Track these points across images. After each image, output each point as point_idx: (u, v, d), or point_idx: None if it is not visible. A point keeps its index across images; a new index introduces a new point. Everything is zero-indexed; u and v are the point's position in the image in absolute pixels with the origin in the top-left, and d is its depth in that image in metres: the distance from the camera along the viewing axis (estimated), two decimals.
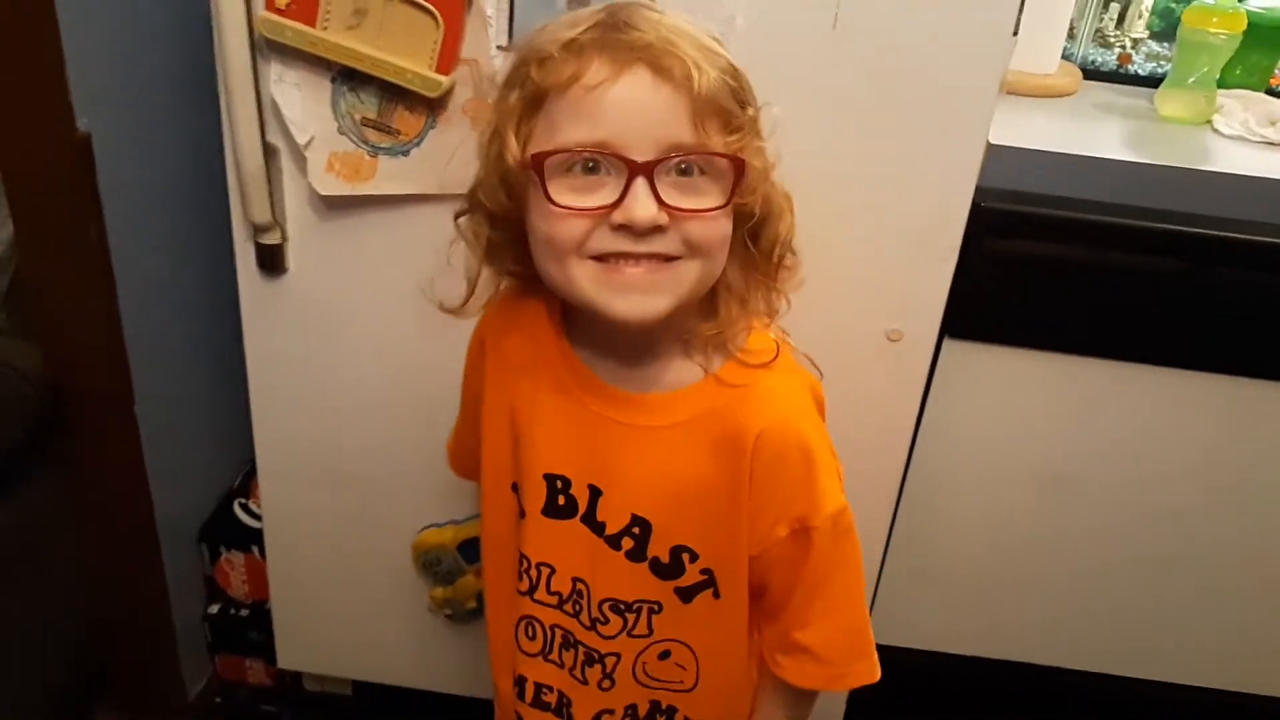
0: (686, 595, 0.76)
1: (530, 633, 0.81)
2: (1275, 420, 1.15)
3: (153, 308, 1.17)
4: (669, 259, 0.64)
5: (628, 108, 0.61)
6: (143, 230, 1.13)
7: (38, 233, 1.06)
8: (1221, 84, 1.25)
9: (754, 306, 0.73)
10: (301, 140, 0.97)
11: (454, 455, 0.95)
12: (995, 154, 0.98)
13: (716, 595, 0.75)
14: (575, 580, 0.77)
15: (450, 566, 1.21)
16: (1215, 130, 1.21)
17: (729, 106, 0.64)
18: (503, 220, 0.70)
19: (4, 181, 1.04)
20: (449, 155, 0.96)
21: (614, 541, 0.75)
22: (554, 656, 0.81)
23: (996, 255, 1.05)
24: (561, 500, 0.76)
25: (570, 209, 0.63)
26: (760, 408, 0.71)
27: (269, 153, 0.99)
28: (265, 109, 0.97)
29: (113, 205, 1.06)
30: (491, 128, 0.68)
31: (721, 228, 0.66)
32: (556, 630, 0.79)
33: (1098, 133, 1.20)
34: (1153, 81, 1.32)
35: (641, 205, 0.61)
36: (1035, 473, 1.20)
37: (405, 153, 0.97)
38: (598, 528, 0.75)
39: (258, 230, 1.03)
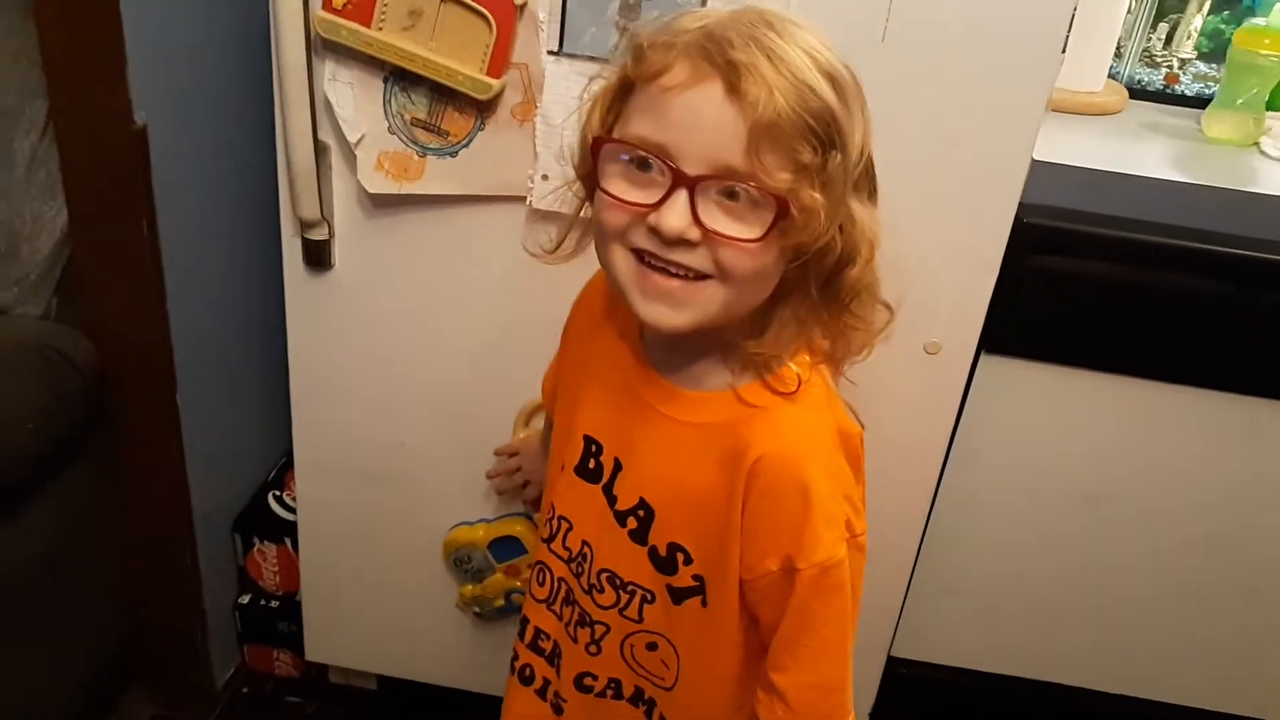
0: (677, 596, 0.76)
1: (541, 579, 0.84)
2: None
3: (199, 300, 1.19)
4: (701, 277, 0.64)
5: (691, 118, 0.61)
6: (193, 223, 1.15)
7: (91, 222, 1.08)
8: (1270, 106, 1.24)
9: (810, 341, 0.71)
10: (352, 138, 0.98)
11: (546, 382, 0.94)
12: (1039, 170, 0.98)
13: (704, 604, 0.75)
14: (584, 543, 0.79)
15: (480, 564, 1.21)
16: (1263, 152, 1.21)
17: (794, 144, 0.61)
18: (588, 189, 0.71)
19: (61, 170, 1.06)
20: (496, 158, 0.98)
21: (621, 518, 0.76)
22: (555, 607, 0.83)
23: (1038, 271, 1.05)
24: (592, 464, 0.78)
25: (615, 199, 0.64)
26: (768, 432, 0.70)
27: (319, 150, 1.01)
28: (318, 107, 0.99)
29: (165, 198, 1.08)
30: (590, 101, 0.68)
31: (755, 260, 0.64)
32: (562, 584, 0.82)
33: (1143, 152, 1.20)
34: (1199, 102, 1.31)
35: (674, 216, 0.62)
36: (1070, 492, 1.20)
37: (453, 154, 0.98)
38: (611, 499, 0.77)
39: (305, 226, 1.05)
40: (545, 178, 0.98)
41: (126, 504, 1.23)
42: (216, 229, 1.21)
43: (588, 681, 0.83)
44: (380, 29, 0.92)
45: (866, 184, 0.68)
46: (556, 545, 0.81)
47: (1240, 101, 1.22)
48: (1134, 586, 1.25)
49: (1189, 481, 1.17)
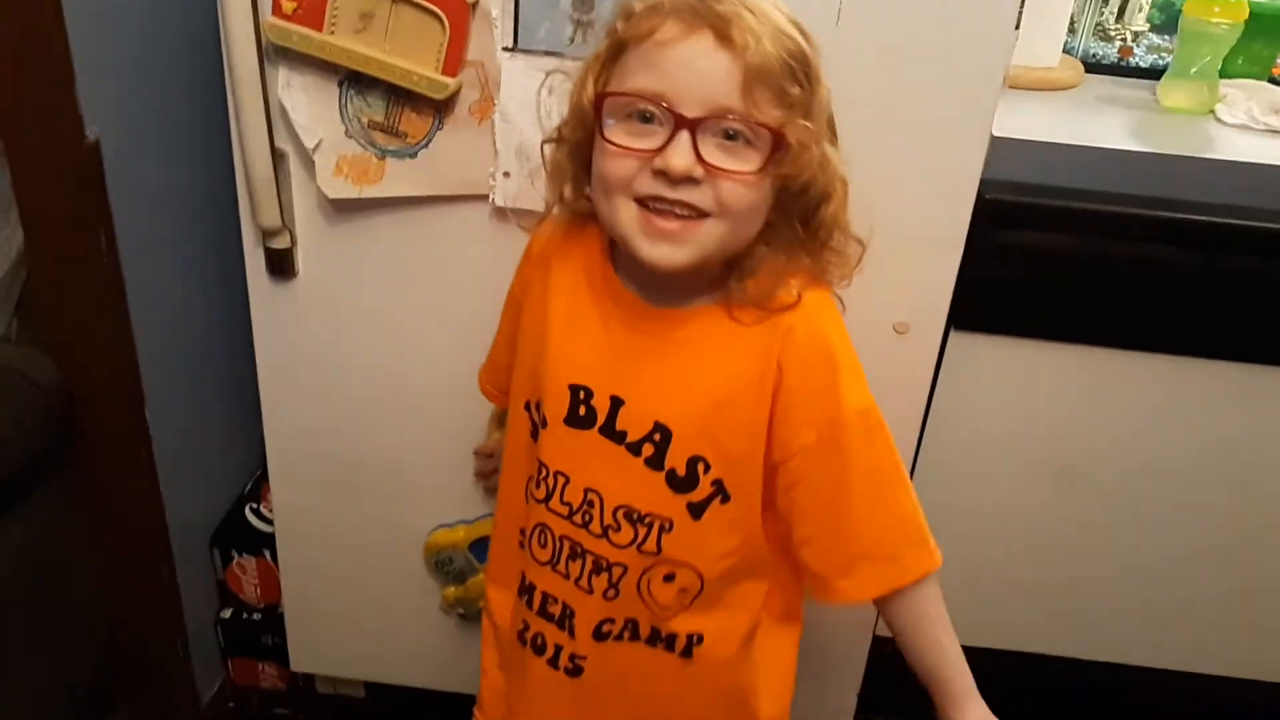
0: (697, 511, 0.79)
1: (542, 541, 0.84)
2: None
3: (163, 314, 1.17)
4: (701, 215, 0.70)
5: (687, 67, 0.67)
6: (152, 237, 1.14)
7: (48, 240, 1.06)
8: (1223, 74, 1.25)
9: (791, 278, 0.76)
10: (309, 144, 0.97)
11: (484, 374, 0.99)
12: (999, 146, 0.99)
13: (725, 500, 0.78)
14: (587, 491, 0.80)
15: (462, 566, 1.21)
16: (1219, 120, 1.22)
17: (782, 82, 0.68)
18: (580, 153, 0.76)
19: (14, 189, 1.04)
20: (457, 157, 0.97)
21: (634, 448, 0.78)
22: (561, 567, 0.83)
23: (1002, 247, 1.06)
24: (582, 410, 0.80)
25: (621, 147, 0.70)
26: (791, 313, 0.76)
27: (277, 157, 1.00)
28: (273, 114, 0.98)
29: (122, 212, 1.07)
30: (582, 68, 0.74)
31: (752, 193, 0.70)
32: (565, 541, 0.83)
33: (1101, 124, 1.21)
34: (1154, 73, 1.32)
35: (679, 155, 0.67)
36: (1043, 464, 1.21)
37: (413, 155, 0.98)
38: (617, 436, 0.79)
39: (267, 235, 1.04)
40: (506, 175, 0.98)
41: (101, 523, 1.21)
42: (177, 242, 1.20)
43: (605, 628, 0.84)
44: (332, 33, 0.92)
45: (830, 129, 0.75)
46: (554, 503, 0.82)
47: (1194, 70, 1.23)
48: (1111, 555, 1.27)
49: (1160, 447, 1.19)
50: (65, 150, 1.01)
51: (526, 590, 0.87)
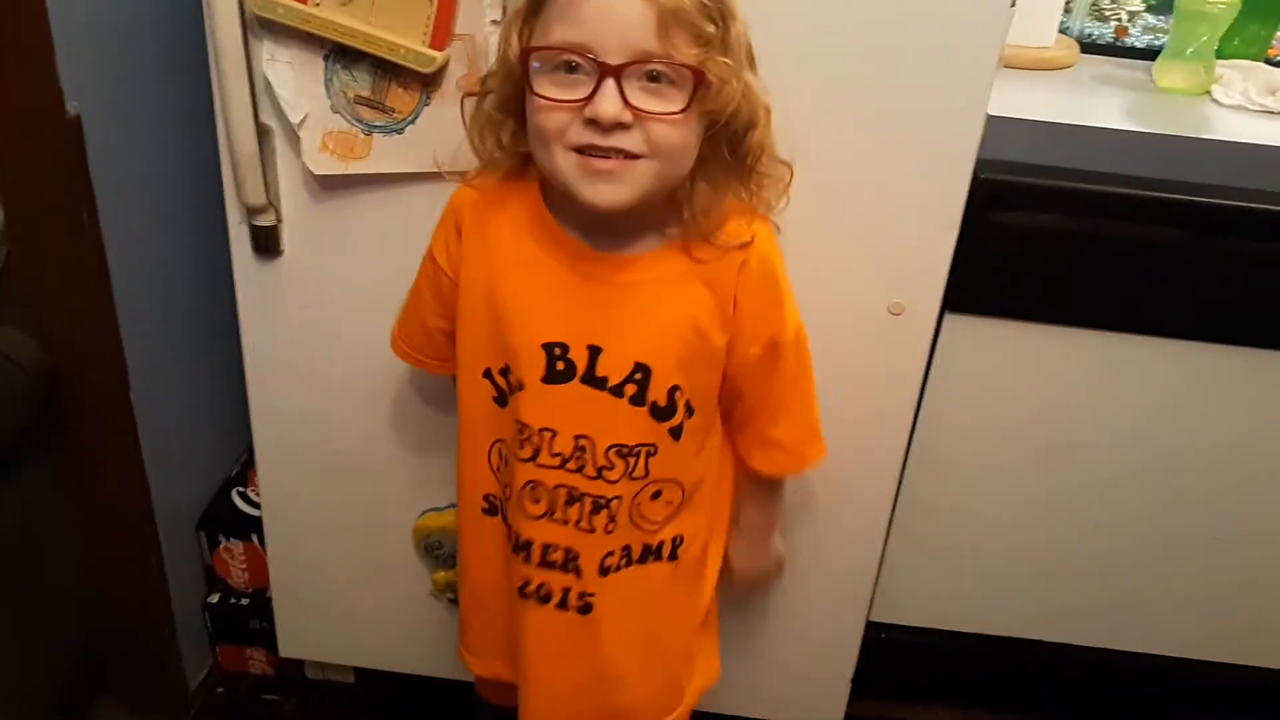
0: (677, 433, 0.86)
1: (535, 497, 0.88)
2: (1277, 389, 1.15)
3: (147, 293, 1.16)
4: (634, 156, 0.73)
5: (604, 15, 0.70)
6: (136, 214, 1.12)
7: (29, 218, 1.04)
8: (1219, 55, 1.25)
9: (729, 204, 0.82)
10: (295, 119, 0.96)
11: (403, 338, 0.98)
12: (995, 126, 0.97)
13: (691, 414, 0.86)
14: (577, 439, 0.85)
15: (452, 549, 1.20)
16: (1215, 100, 1.21)
17: (697, 22, 0.71)
18: (510, 107, 0.80)
19: None
20: (444, 132, 0.96)
21: (617, 390, 0.84)
22: (558, 515, 0.88)
23: (997, 227, 1.05)
24: (560, 365, 0.84)
25: (550, 100, 0.73)
26: (744, 248, 0.83)
27: (262, 133, 0.98)
28: (258, 89, 0.96)
29: (104, 189, 1.05)
30: (504, 24, 0.78)
31: (681, 131, 0.74)
32: (560, 489, 0.87)
33: (1097, 104, 1.20)
34: (1150, 54, 1.32)
35: (607, 102, 0.71)
36: (1039, 447, 1.20)
37: (400, 130, 0.96)
38: (598, 383, 0.84)
39: (252, 212, 1.02)
40: None
41: (86, 507, 1.20)
42: (161, 219, 1.18)
43: (608, 562, 0.89)
44: (318, 5, 0.90)
45: (749, 59, 0.78)
46: (543, 458, 0.86)
47: (1190, 51, 1.23)
48: (1108, 539, 1.26)
49: (1156, 431, 1.18)
50: (45, 126, 0.99)
51: (523, 547, 0.90)
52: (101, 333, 1.11)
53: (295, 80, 0.95)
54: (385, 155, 0.97)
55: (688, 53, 0.72)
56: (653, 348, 0.83)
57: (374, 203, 1.01)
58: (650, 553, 0.91)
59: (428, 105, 0.95)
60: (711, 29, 0.72)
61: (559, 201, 0.82)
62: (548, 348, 0.83)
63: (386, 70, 0.93)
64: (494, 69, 0.81)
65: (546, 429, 0.85)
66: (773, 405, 0.90)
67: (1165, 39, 1.30)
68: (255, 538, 1.32)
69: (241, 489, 1.37)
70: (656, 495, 0.89)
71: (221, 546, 1.35)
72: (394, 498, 1.20)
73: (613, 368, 0.83)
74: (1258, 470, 1.20)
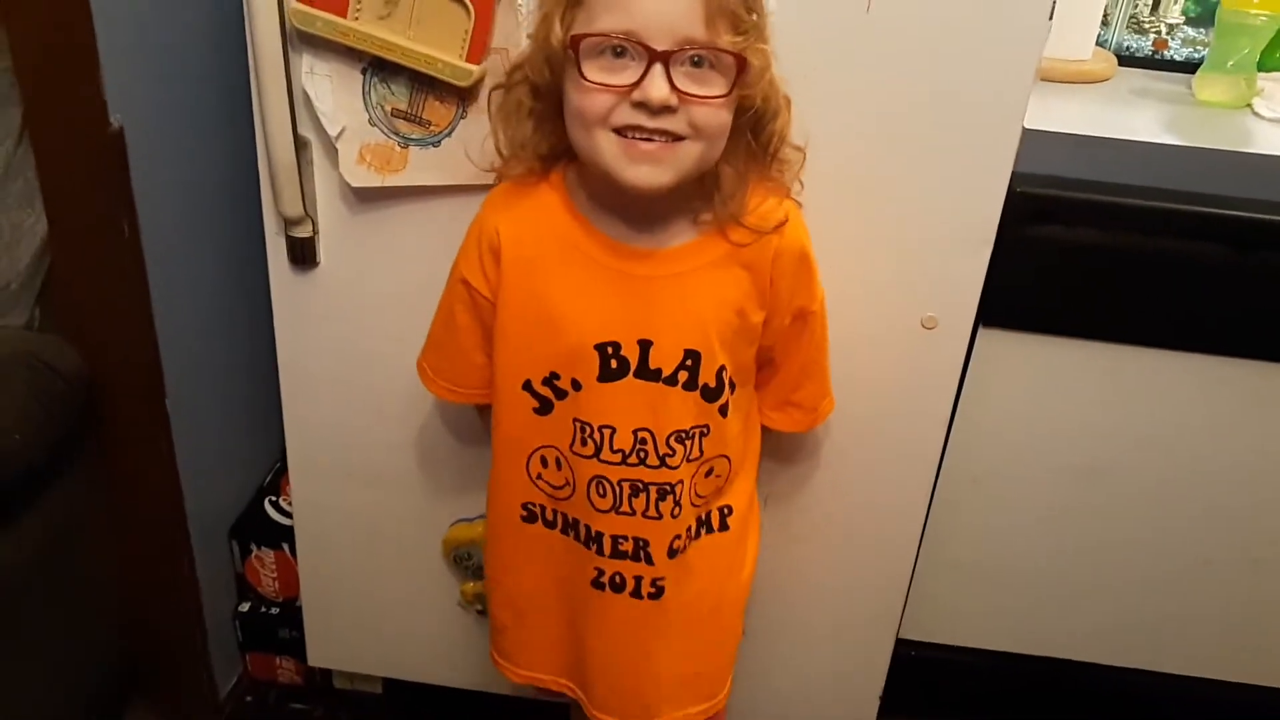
0: (725, 410, 0.89)
1: (601, 491, 0.90)
2: None
3: (184, 302, 1.17)
4: (677, 139, 0.77)
5: (652, 4, 0.74)
6: (175, 225, 1.13)
7: (71, 228, 1.06)
8: (1260, 67, 1.23)
9: (753, 188, 0.85)
10: (333, 132, 0.97)
11: (441, 374, 0.98)
12: (1031, 139, 0.97)
13: (733, 389, 0.90)
14: (636, 432, 0.88)
15: (481, 561, 1.20)
16: (1255, 114, 1.19)
17: (738, 11, 0.75)
18: (545, 94, 0.82)
19: (39, 177, 1.04)
20: (480, 145, 0.96)
21: (671, 379, 0.86)
22: (625, 508, 0.90)
23: (1033, 241, 1.04)
24: (614, 364, 0.86)
25: (599, 84, 0.76)
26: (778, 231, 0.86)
27: (300, 145, 0.99)
28: (296, 101, 0.97)
29: (145, 200, 1.06)
30: (542, 13, 0.79)
31: (722, 115, 0.78)
32: (624, 484, 0.89)
33: (1135, 117, 1.19)
34: (1189, 67, 1.30)
35: (656, 86, 0.74)
36: (1073, 464, 1.18)
37: (436, 143, 0.97)
38: (652, 375, 0.86)
39: (289, 223, 1.03)
40: None
41: (120, 514, 1.21)
42: (199, 230, 1.19)
43: (675, 544, 0.92)
44: (356, 18, 0.91)
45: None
46: (605, 454, 0.88)
47: (1231, 63, 1.21)
48: (1141, 558, 1.24)
49: (1194, 449, 1.16)
50: (89, 138, 1.01)
51: (594, 540, 0.92)
52: (139, 341, 1.12)
53: (333, 93, 0.96)
54: (421, 168, 0.98)
55: (730, 40, 0.75)
56: (700, 333, 0.86)
57: (410, 215, 1.02)
58: (703, 524, 0.95)
59: (464, 119, 0.95)
60: (751, 16, 0.76)
61: (591, 204, 0.85)
62: (600, 348, 0.86)
63: (423, 84, 0.94)
64: (527, 56, 0.83)
65: (606, 426, 0.88)
66: (797, 371, 0.95)
67: (1205, 52, 1.28)
68: (286, 547, 1.33)
69: (274, 498, 1.37)
70: (709, 473, 0.92)
71: (253, 555, 1.36)
72: (424, 509, 1.20)
73: (665, 358, 0.86)
74: None
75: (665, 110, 0.75)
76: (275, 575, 1.37)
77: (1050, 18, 0.89)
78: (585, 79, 0.76)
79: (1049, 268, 1.07)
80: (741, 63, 0.76)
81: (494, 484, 0.97)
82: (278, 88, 0.95)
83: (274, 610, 1.39)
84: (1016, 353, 1.12)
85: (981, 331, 1.08)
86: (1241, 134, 1.14)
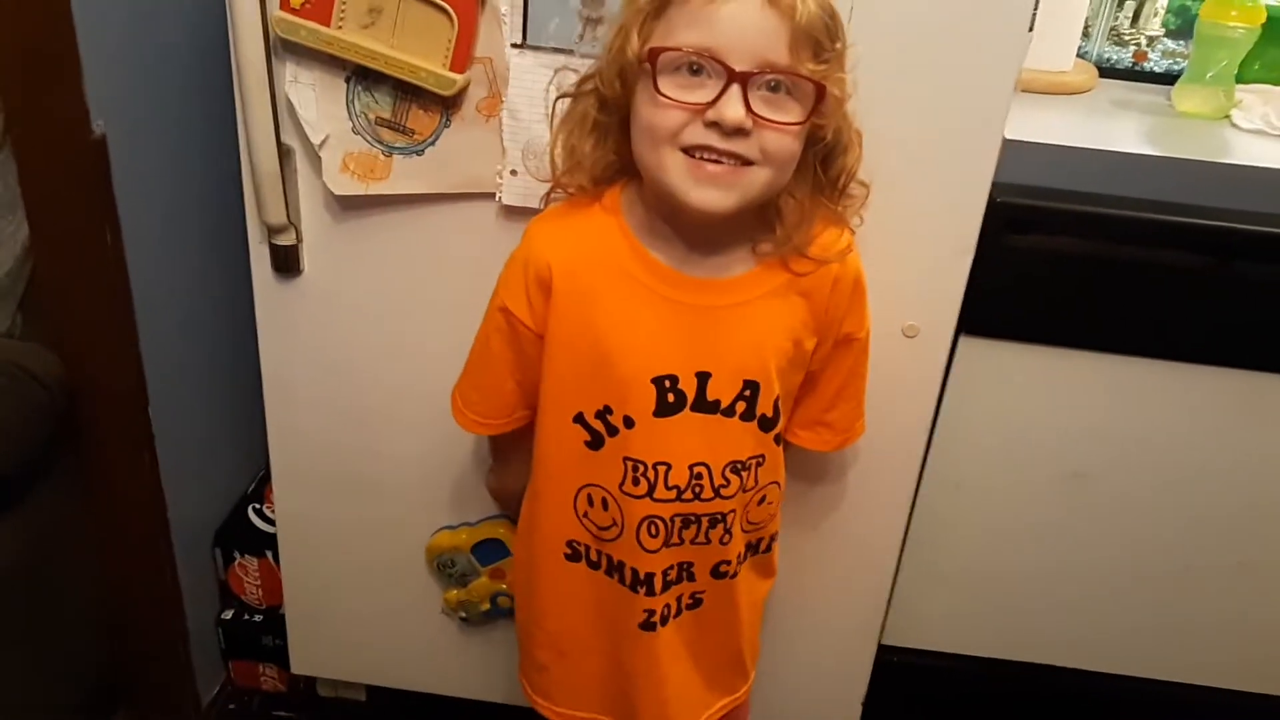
0: (779, 439, 0.90)
1: (652, 531, 0.88)
2: None
3: (167, 310, 1.17)
4: (746, 163, 0.75)
5: (736, 23, 0.72)
6: (157, 232, 1.13)
7: (53, 235, 1.05)
8: (1239, 79, 1.24)
9: (816, 221, 0.84)
10: (316, 140, 0.97)
11: (476, 408, 0.94)
12: (1011, 150, 0.97)
13: (777, 415, 0.88)
14: (692, 468, 0.86)
15: (464, 568, 1.20)
16: (1234, 125, 1.21)
17: (821, 39, 0.74)
18: (612, 107, 0.80)
19: (20, 184, 1.03)
20: (464, 154, 0.96)
21: (729, 411, 0.85)
22: (675, 540, 0.89)
23: (1013, 251, 1.04)
24: (671, 398, 0.84)
25: (673, 100, 0.74)
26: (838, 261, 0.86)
27: (284, 153, 0.99)
28: (280, 109, 0.97)
29: (127, 207, 1.06)
30: (619, 24, 0.77)
31: (794, 143, 0.76)
32: (676, 519, 0.88)
33: (1115, 128, 1.20)
34: (1169, 79, 1.31)
35: (732, 107, 0.72)
36: (1054, 472, 1.19)
37: (420, 152, 0.97)
38: (710, 407, 0.85)
39: (272, 231, 1.03)
40: (514, 173, 0.97)
41: (102, 521, 1.20)
42: (182, 237, 1.19)
43: (724, 568, 0.92)
44: (340, 28, 0.91)
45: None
46: (659, 492, 0.86)
47: (1210, 75, 1.22)
48: (1122, 564, 1.25)
49: (1172, 455, 1.17)
50: (71, 144, 1.01)
51: (643, 582, 0.89)
52: (121, 349, 1.12)
53: (317, 102, 0.96)
54: (405, 176, 0.98)
55: (811, 67, 0.73)
56: (759, 363, 0.84)
57: (394, 223, 1.02)
58: (751, 549, 0.95)
59: (448, 127, 0.95)
60: (834, 45, 0.75)
61: (648, 229, 0.83)
62: (658, 381, 0.83)
63: (407, 92, 0.94)
64: (599, 68, 0.80)
65: (661, 463, 0.85)
66: (833, 393, 0.94)
67: (1184, 64, 1.29)
68: (270, 554, 1.33)
69: (257, 506, 1.37)
70: (762, 500, 0.91)
71: (236, 563, 1.36)
72: (408, 517, 1.20)
73: (723, 390, 0.84)
74: (1277, 495, 1.19)
75: (738, 133, 0.73)
76: (259, 583, 1.37)
77: (1030, 29, 0.90)
78: (660, 93, 0.73)
79: (1029, 277, 1.07)
80: (820, 91, 0.74)
81: (535, 520, 0.94)
82: (261, 96, 0.95)
83: (257, 618, 1.39)
84: (997, 361, 1.12)
85: (962, 340, 1.09)
86: (1220, 145, 1.16)
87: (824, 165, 0.82)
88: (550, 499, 0.91)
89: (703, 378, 0.83)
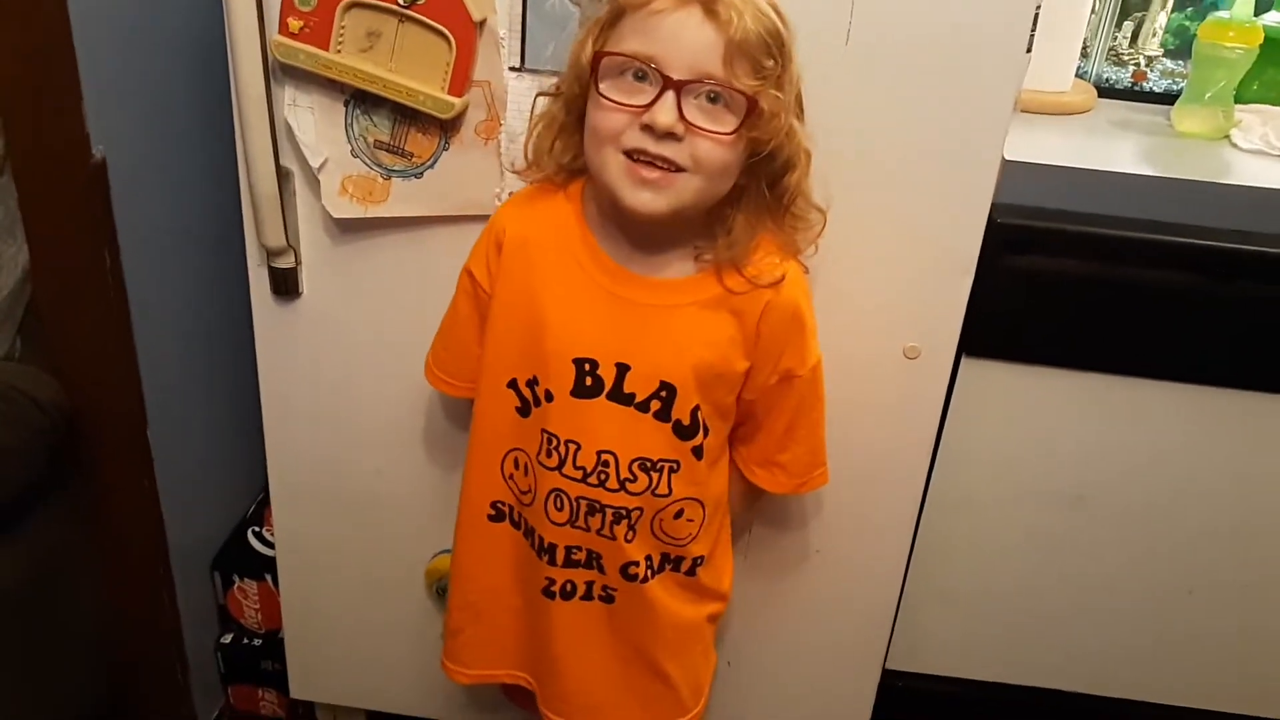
0: (699, 452, 0.90)
1: (558, 504, 0.92)
2: None
3: (166, 333, 1.17)
4: (678, 169, 0.78)
5: (676, 35, 0.76)
6: (157, 255, 1.13)
7: (53, 259, 1.06)
8: (1238, 99, 1.24)
9: (762, 239, 0.86)
10: (315, 163, 0.97)
11: (443, 367, 0.99)
12: (1011, 170, 0.98)
13: (707, 434, 0.90)
14: (600, 454, 0.89)
15: None
16: (1234, 145, 1.21)
17: (759, 56, 0.77)
18: (572, 107, 0.85)
19: (20, 208, 1.04)
20: (462, 177, 0.97)
21: (643, 406, 0.88)
22: (580, 523, 0.92)
23: (1013, 271, 1.04)
24: (589, 381, 0.87)
25: (613, 102, 0.78)
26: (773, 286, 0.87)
27: (283, 176, 0.99)
28: (279, 133, 0.97)
29: (127, 231, 1.06)
30: (584, 30, 0.83)
31: (725, 153, 0.79)
32: (582, 501, 0.91)
33: (1114, 149, 1.20)
34: (1168, 98, 1.31)
35: (664, 112, 0.76)
36: (1058, 493, 1.19)
37: (418, 175, 0.97)
38: (625, 399, 0.88)
39: (271, 254, 1.03)
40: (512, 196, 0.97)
41: (101, 545, 1.20)
42: (181, 261, 1.19)
43: (632, 570, 0.93)
44: (339, 51, 0.91)
45: (799, 105, 0.83)
46: (568, 469, 0.90)
47: (1208, 95, 1.22)
48: (1126, 586, 1.24)
49: (1174, 476, 1.17)
50: (72, 169, 1.01)
51: (546, 550, 0.94)
52: (121, 372, 1.12)
53: (316, 125, 0.96)
54: (403, 199, 0.98)
55: (746, 82, 0.77)
56: (679, 368, 0.87)
57: (392, 246, 1.02)
58: (668, 561, 0.95)
59: (446, 150, 0.96)
60: (770, 64, 0.78)
61: (599, 221, 0.88)
62: (578, 363, 0.87)
63: (406, 116, 0.94)
64: (564, 74, 0.85)
65: (572, 441, 0.89)
66: (781, 432, 0.94)
67: (1183, 84, 1.30)
68: (269, 578, 1.32)
69: (257, 529, 1.37)
70: (679, 515, 0.92)
71: (235, 586, 1.35)
72: (407, 540, 1.19)
73: (639, 385, 0.87)
74: (1277, 516, 1.18)
75: (669, 137, 0.77)
76: (258, 606, 1.36)
77: (1028, 50, 0.90)
78: (601, 95, 0.78)
79: (1030, 298, 1.07)
80: (752, 104, 0.77)
81: (466, 480, 0.98)
82: (260, 119, 0.95)
83: (256, 642, 1.38)
84: (999, 381, 1.12)
85: (964, 361, 1.08)
86: (1220, 165, 1.16)
87: (770, 183, 0.84)
88: (480, 460, 0.96)
89: (622, 369, 0.87)
